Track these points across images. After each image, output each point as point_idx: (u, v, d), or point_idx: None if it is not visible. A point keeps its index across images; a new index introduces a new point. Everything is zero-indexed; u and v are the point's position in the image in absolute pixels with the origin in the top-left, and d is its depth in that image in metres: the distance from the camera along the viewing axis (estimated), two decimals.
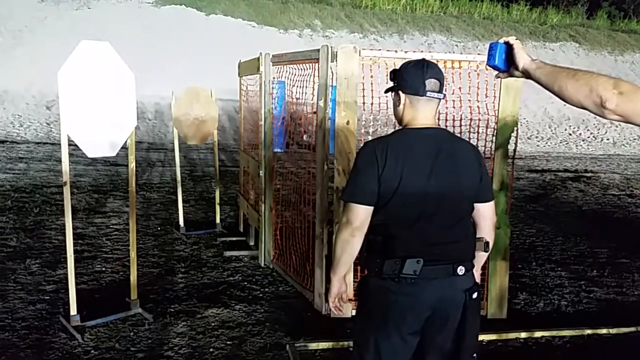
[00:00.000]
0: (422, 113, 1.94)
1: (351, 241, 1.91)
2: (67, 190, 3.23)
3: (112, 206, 6.39)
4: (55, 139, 11.81)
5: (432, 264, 1.84)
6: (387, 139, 1.95)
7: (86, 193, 6.95)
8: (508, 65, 1.66)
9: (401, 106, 1.97)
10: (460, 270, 1.87)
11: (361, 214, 1.88)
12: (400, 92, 1.97)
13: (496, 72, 1.72)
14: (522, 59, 1.61)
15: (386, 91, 2.10)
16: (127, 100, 3.36)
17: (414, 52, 3.52)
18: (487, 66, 1.72)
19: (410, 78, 1.94)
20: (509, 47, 1.66)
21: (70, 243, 3.28)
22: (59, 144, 10.80)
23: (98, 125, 3.22)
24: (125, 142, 3.43)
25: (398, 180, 1.85)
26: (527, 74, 1.61)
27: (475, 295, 1.90)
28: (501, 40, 1.67)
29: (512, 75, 1.69)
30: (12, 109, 13.76)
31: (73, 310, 3.29)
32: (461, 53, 18.42)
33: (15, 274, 4.13)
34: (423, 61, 1.97)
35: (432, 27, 20.76)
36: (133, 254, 3.60)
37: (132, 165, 3.54)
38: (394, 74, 2.01)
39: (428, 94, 1.91)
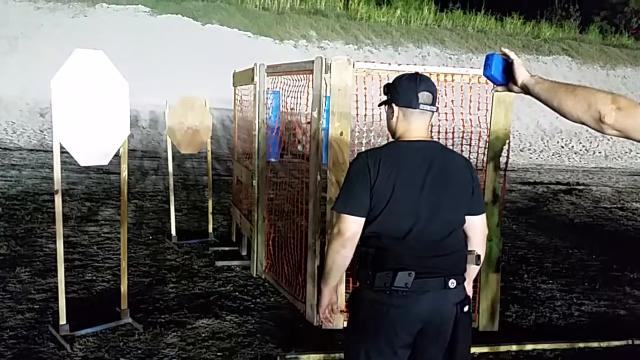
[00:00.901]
0: (415, 126, 1.96)
1: (342, 252, 1.91)
2: (58, 199, 3.21)
3: (104, 214, 6.36)
4: (48, 147, 11.75)
5: (424, 277, 1.84)
6: (380, 150, 1.97)
7: (78, 201, 6.91)
8: (506, 80, 1.68)
9: (394, 119, 1.99)
10: (452, 283, 1.88)
11: (353, 225, 1.89)
12: (394, 105, 1.98)
13: (493, 86, 1.74)
14: (522, 75, 1.63)
15: (380, 104, 2.12)
16: (120, 109, 3.35)
17: (408, 64, 3.55)
18: (484, 76, 1.72)
19: (403, 91, 1.96)
20: (507, 62, 1.67)
21: (60, 252, 3.26)
22: (51, 151, 10.70)
23: (91, 134, 3.22)
24: (118, 150, 3.42)
25: (390, 193, 1.86)
26: (525, 90, 1.63)
27: (466, 308, 1.90)
28: (498, 52, 1.69)
29: (510, 90, 1.70)
30: (6, 116, 13.70)
31: (62, 320, 3.26)
32: (454, 66, 18.55)
33: (4, 283, 4.09)
34: (416, 74, 1.99)
35: (427, 39, 20.93)
36: (124, 264, 3.58)
37: (125, 174, 3.53)
38: (387, 88, 2.03)
39: (421, 106, 1.94)
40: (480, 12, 22.50)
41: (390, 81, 2.05)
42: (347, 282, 3.61)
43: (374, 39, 20.09)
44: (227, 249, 5.28)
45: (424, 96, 1.94)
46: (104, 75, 3.27)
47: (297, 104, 4.16)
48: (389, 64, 3.51)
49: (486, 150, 3.57)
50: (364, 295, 1.93)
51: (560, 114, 1.52)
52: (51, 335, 3.29)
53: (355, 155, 2.06)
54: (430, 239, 1.88)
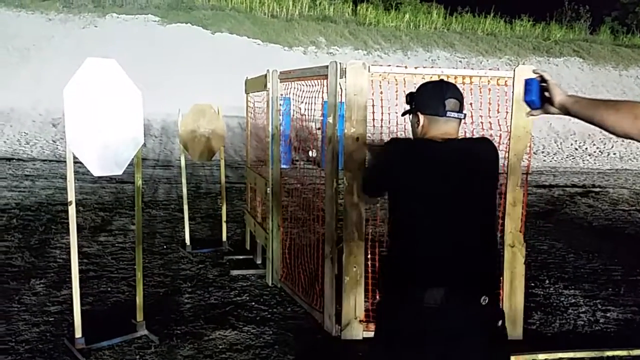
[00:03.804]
0: (442, 133, 1.89)
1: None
2: (72, 210, 3.17)
3: (117, 224, 6.33)
4: (60, 156, 11.82)
5: (456, 292, 1.76)
6: (416, 148, 1.90)
7: (91, 211, 6.90)
8: (542, 102, 1.66)
9: (420, 128, 1.91)
10: (484, 300, 1.79)
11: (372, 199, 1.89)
12: (419, 114, 1.91)
13: (528, 110, 1.72)
14: (558, 95, 1.62)
15: (404, 114, 2.05)
16: (134, 118, 3.31)
17: (424, 67, 3.48)
18: (524, 102, 1.72)
19: (429, 98, 1.89)
20: (541, 83, 1.66)
21: (75, 264, 3.21)
22: (64, 161, 10.79)
23: (104, 144, 3.17)
24: (132, 159, 3.37)
25: (421, 199, 1.79)
26: (564, 110, 1.61)
27: (500, 323, 1.82)
28: (535, 76, 1.67)
29: (547, 112, 1.69)
30: (19, 127, 13.82)
31: (78, 333, 3.21)
32: (464, 68, 18.45)
33: (19, 295, 4.06)
34: (442, 82, 1.93)
35: (436, 43, 20.85)
36: (139, 274, 3.53)
37: (139, 183, 3.48)
38: (411, 97, 1.96)
39: (448, 114, 1.86)
40: (489, 15, 22.40)
41: (414, 90, 1.98)
42: (366, 292, 3.53)
43: (383, 44, 20.04)
44: (241, 257, 5.22)
45: (450, 103, 1.86)
46: (117, 84, 3.23)
47: (309, 109, 4.10)
48: (405, 67, 3.43)
49: (506, 154, 3.48)
50: (392, 308, 1.85)
51: (604, 129, 1.50)
52: (67, 348, 3.24)
53: (389, 139, 2.02)
54: (463, 254, 1.80)
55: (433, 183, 1.80)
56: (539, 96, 1.66)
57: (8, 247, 5.23)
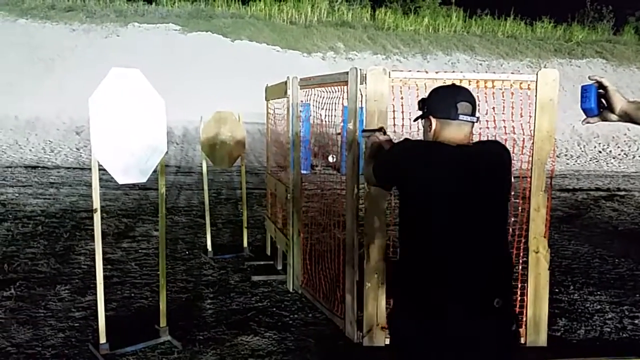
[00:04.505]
0: (454, 138, 1.87)
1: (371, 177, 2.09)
2: (97, 217, 3.23)
3: (140, 230, 6.41)
4: (84, 164, 12.03)
5: (470, 294, 1.74)
6: (431, 149, 1.87)
7: (115, 217, 7.00)
8: (599, 109, 1.59)
9: (432, 132, 1.90)
10: (497, 302, 1.77)
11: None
12: (431, 118, 1.89)
13: (584, 118, 1.63)
14: (619, 102, 1.54)
15: (415, 119, 2.04)
16: (158, 126, 3.36)
17: (445, 72, 3.46)
18: (581, 109, 1.63)
19: (441, 102, 1.87)
20: (599, 90, 1.58)
21: (100, 271, 3.26)
22: (87, 168, 11.01)
23: (128, 151, 3.22)
24: (155, 167, 3.42)
25: (438, 204, 1.78)
26: (626, 117, 1.53)
27: (513, 327, 1.80)
28: (592, 82, 1.60)
29: (605, 120, 1.61)
30: (44, 135, 14.11)
31: (102, 339, 3.26)
32: (486, 72, 18.29)
33: (45, 301, 4.13)
34: (453, 85, 1.92)
35: (456, 46, 20.72)
36: (162, 281, 3.57)
37: (163, 190, 3.53)
38: (423, 102, 1.96)
39: (460, 117, 1.84)
40: (509, 17, 22.20)
41: (426, 96, 1.98)
42: (388, 298, 3.51)
43: (402, 48, 19.99)
44: (262, 263, 5.25)
45: (462, 106, 1.85)
46: (140, 93, 3.28)
47: (328, 115, 4.11)
48: (426, 71, 3.42)
49: (530, 158, 3.44)
50: (404, 317, 1.83)
51: None
52: (92, 354, 3.29)
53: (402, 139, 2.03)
54: (477, 253, 1.79)
55: (447, 185, 1.78)
56: (597, 103, 1.58)
57: (34, 253, 5.34)
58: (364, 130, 2.73)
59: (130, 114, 3.23)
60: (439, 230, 1.78)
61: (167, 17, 18.75)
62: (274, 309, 4.11)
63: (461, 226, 1.78)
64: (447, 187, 1.78)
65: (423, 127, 1.98)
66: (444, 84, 1.99)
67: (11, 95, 14.95)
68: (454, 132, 1.86)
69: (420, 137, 2.00)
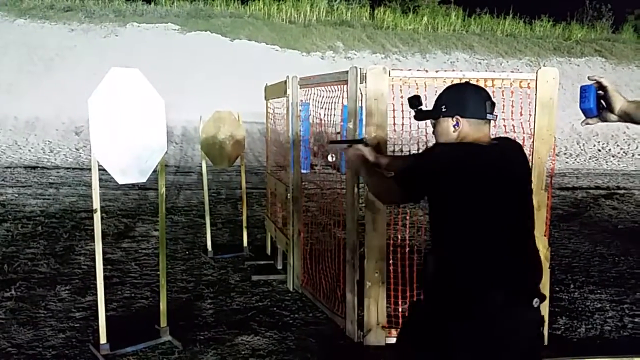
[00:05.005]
0: (481, 137, 1.87)
1: (390, 193, 1.97)
2: (97, 218, 3.22)
3: (140, 230, 6.40)
4: (83, 164, 12.02)
5: (511, 296, 1.73)
6: (472, 152, 1.82)
7: (114, 217, 6.99)
8: (598, 109, 1.58)
9: (458, 132, 1.86)
10: (536, 302, 1.76)
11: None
12: (458, 117, 1.86)
13: (584, 119, 1.63)
14: (619, 102, 1.53)
15: (420, 118, 2.01)
16: (157, 126, 3.35)
17: (444, 71, 3.46)
18: (580, 109, 1.63)
19: (470, 101, 1.86)
20: (599, 90, 1.58)
21: (100, 271, 3.26)
22: (87, 168, 11.00)
23: (128, 151, 3.22)
24: (155, 167, 3.41)
25: (486, 206, 1.76)
26: (626, 117, 1.52)
27: (541, 328, 1.80)
28: (591, 82, 1.59)
29: (605, 120, 1.59)
30: (43, 135, 14.10)
31: (103, 339, 3.25)
32: (485, 70, 18.29)
33: (45, 301, 4.13)
34: (469, 83, 1.92)
35: (455, 45, 20.72)
36: (163, 281, 3.57)
37: (163, 190, 3.52)
38: (418, 100, 1.95)
39: (488, 115, 1.86)
40: (508, 15, 22.22)
41: (421, 94, 1.98)
42: (388, 297, 3.51)
43: (401, 47, 19.99)
44: (262, 262, 5.24)
45: (489, 105, 1.87)
46: (140, 93, 3.28)
47: (327, 115, 4.11)
48: (426, 70, 3.42)
49: (530, 156, 3.43)
50: (437, 314, 1.81)
51: None
52: (92, 354, 3.28)
53: (433, 145, 1.99)
54: (519, 253, 1.79)
55: (496, 185, 1.77)
56: (596, 103, 1.57)
57: (34, 254, 5.33)
58: (331, 142, 2.72)
59: (130, 114, 3.22)
60: (488, 230, 1.76)
61: (165, 16, 18.74)
62: (275, 309, 4.11)
63: (507, 226, 1.78)
64: (497, 187, 1.77)
65: (440, 126, 1.92)
66: (458, 82, 1.98)
67: (10, 95, 14.94)
68: (482, 130, 1.87)
69: (421, 136, 1.99)
